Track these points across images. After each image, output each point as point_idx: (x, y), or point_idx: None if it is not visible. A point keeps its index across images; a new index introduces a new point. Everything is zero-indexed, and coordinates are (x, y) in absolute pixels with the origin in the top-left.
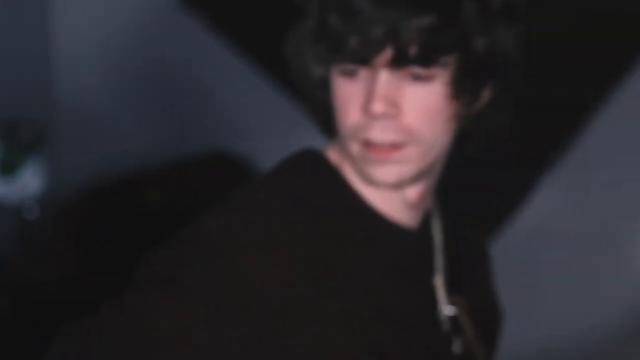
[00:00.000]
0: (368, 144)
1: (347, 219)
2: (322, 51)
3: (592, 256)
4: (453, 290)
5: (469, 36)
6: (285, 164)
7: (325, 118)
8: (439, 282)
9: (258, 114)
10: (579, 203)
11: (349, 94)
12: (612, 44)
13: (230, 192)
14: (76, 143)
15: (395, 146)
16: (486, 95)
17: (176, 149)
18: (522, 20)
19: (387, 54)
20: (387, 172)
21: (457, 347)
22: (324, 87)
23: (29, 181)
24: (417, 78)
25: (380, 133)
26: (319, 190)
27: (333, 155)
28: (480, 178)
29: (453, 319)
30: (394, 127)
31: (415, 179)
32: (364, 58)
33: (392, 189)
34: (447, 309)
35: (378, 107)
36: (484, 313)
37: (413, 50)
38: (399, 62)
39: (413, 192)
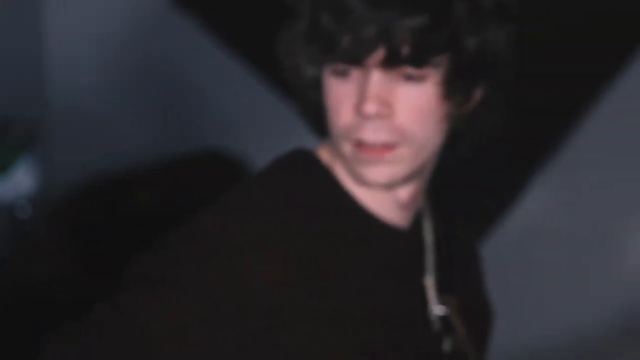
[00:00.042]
0: (360, 144)
1: (339, 219)
2: (314, 51)
3: (583, 256)
4: (444, 290)
5: (461, 36)
6: (277, 164)
7: (316, 118)
8: (429, 282)
9: (251, 113)
10: (570, 203)
11: (341, 94)
12: (603, 43)
13: (223, 191)
14: (69, 142)
15: (388, 146)
16: (477, 95)
17: (169, 148)
18: (514, 20)
19: (380, 54)
20: (379, 172)
21: (447, 346)
22: (316, 87)
23: (21, 180)
24: (409, 78)
25: (372, 133)
26: (310, 190)
27: (324, 155)
28: (471, 178)
29: (444, 319)
30: (386, 128)
31: (407, 179)
32: (356, 58)
33: (384, 189)
34: (437, 309)
35: (371, 107)
36: (475, 313)
37: (405, 50)
38: (391, 62)
39: (405, 192)
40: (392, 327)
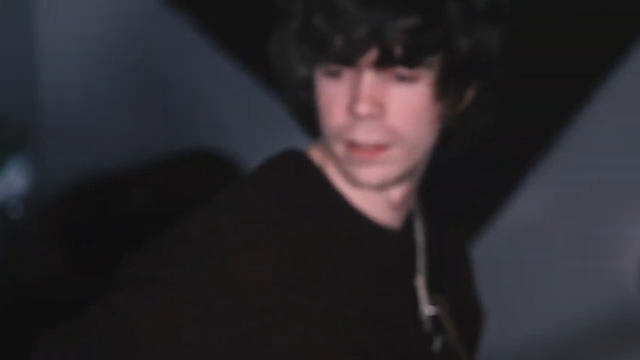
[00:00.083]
0: (352, 145)
1: (331, 219)
2: (306, 51)
3: (574, 256)
4: (435, 290)
5: (453, 36)
6: (269, 165)
7: (307, 118)
8: (420, 283)
9: (243, 112)
10: (562, 203)
11: (334, 94)
12: (595, 43)
13: (215, 191)
14: (60, 142)
15: (380, 147)
16: (470, 95)
17: (161, 148)
18: (506, 20)
19: (372, 54)
20: (371, 173)
21: (437, 346)
22: (307, 87)
23: (13, 180)
24: (402, 79)
25: (364, 134)
26: (302, 190)
27: (316, 155)
28: (463, 178)
29: (435, 319)
30: (379, 128)
31: (399, 179)
32: (348, 58)
33: (376, 190)
34: (428, 309)
35: (363, 108)
36: (465, 313)
37: (397, 50)
38: (383, 63)
39: (396, 193)
40: (384, 328)
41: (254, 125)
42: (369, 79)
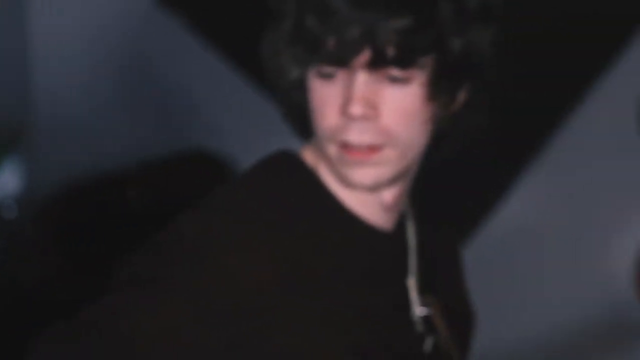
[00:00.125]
0: (346, 146)
1: (323, 220)
2: (299, 52)
3: (566, 256)
4: (427, 291)
5: (446, 37)
6: (261, 165)
7: (300, 119)
8: (411, 283)
9: (236, 113)
10: (554, 204)
11: (326, 95)
12: (587, 44)
13: (209, 191)
14: (55, 142)
15: (373, 148)
16: (462, 96)
17: (156, 149)
18: (498, 21)
19: (365, 55)
20: (364, 174)
21: (429, 347)
22: (300, 89)
23: (7, 180)
24: (395, 80)
25: (357, 135)
26: (294, 191)
27: (309, 156)
28: (456, 179)
29: (426, 320)
30: (372, 129)
31: (392, 180)
32: (341, 59)
33: (369, 191)
34: (419, 310)
35: (357, 109)
36: (457, 314)
37: (390, 51)
38: (376, 64)
39: (389, 194)
40: (379, 328)
41: (246, 125)
42: (362, 79)
